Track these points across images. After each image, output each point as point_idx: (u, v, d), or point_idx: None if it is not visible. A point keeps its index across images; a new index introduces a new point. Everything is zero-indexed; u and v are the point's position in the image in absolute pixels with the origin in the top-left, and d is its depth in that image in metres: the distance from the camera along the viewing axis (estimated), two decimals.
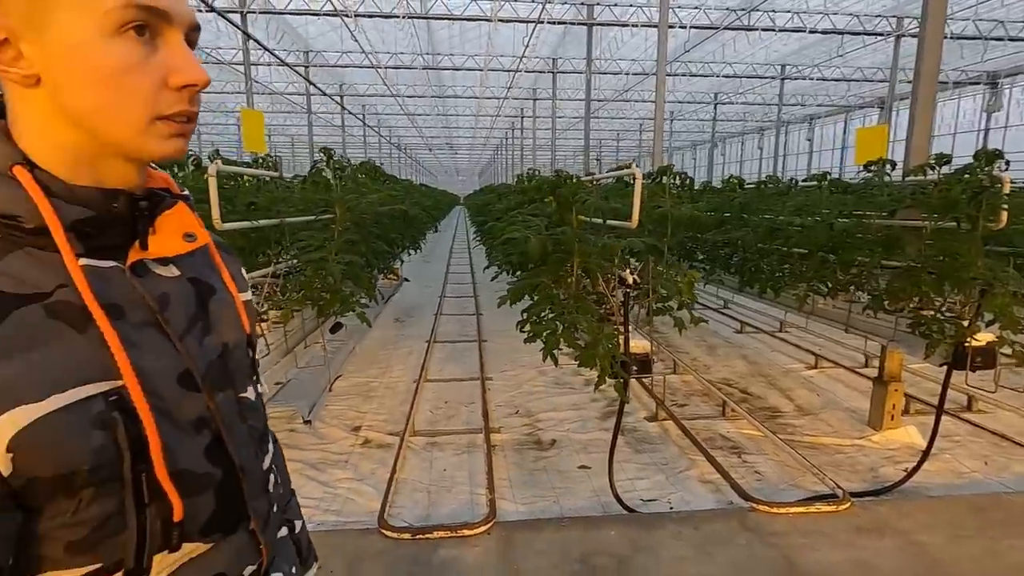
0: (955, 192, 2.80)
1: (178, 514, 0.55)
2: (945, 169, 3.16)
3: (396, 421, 4.18)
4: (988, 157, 2.74)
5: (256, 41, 10.42)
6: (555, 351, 2.73)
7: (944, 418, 4.06)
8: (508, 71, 16.88)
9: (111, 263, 0.55)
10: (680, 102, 24.52)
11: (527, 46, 13.39)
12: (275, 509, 0.74)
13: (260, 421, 0.71)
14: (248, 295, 0.76)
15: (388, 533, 2.62)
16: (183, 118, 0.55)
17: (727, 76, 18.68)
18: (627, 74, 17.94)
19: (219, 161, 2.70)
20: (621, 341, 2.83)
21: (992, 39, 13.76)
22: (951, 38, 13.75)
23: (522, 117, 23.43)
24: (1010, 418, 4.23)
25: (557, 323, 2.50)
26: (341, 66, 16.76)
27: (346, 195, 3.16)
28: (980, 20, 13.58)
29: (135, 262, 0.57)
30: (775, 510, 2.84)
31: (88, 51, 0.49)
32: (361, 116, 22.46)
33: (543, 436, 4.02)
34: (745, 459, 3.68)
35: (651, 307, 3.09)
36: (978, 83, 18.75)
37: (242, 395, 0.66)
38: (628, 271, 2.96)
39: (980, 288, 2.85)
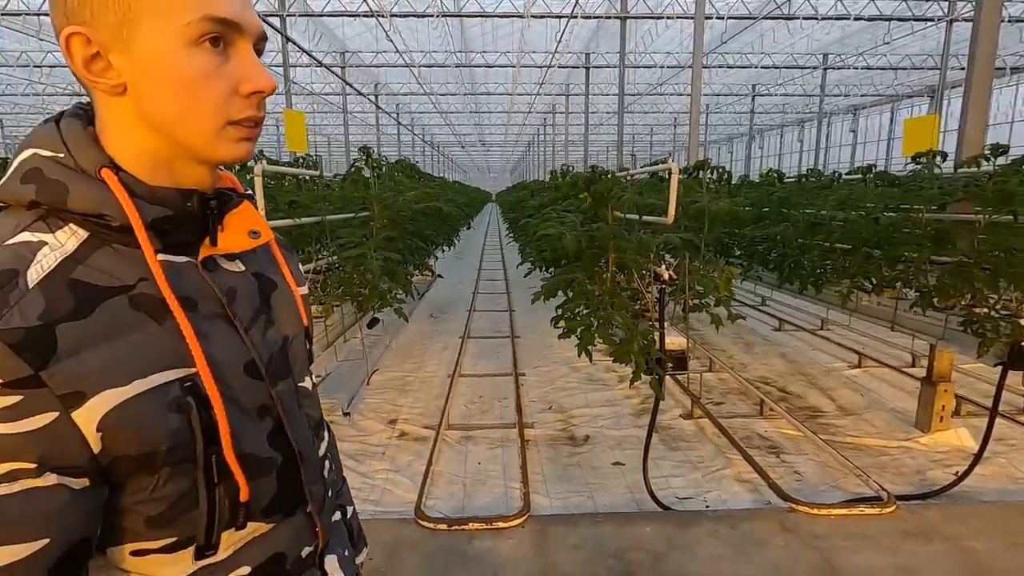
0: (1012, 184, 2.67)
1: (244, 495, 0.58)
2: (1001, 160, 3.02)
3: (431, 415, 4.25)
4: None
5: (295, 43, 10.67)
6: (589, 347, 2.74)
7: (999, 421, 3.90)
8: (540, 67, 16.82)
9: (185, 258, 0.60)
10: (717, 95, 23.99)
11: (559, 41, 13.32)
12: (330, 494, 0.78)
13: (316, 409, 0.75)
14: (305, 289, 0.80)
15: (424, 523, 2.68)
16: (251, 123, 0.58)
17: (766, 67, 18.16)
18: (662, 67, 17.65)
19: (264, 161, 2.79)
20: (656, 337, 2.82)
21: None
22: (1008, 21, 13.01)
23: (554, 113, 23.33)
24: None
25: (592, 319, 2.50)
26: (376, 66, 17.02)
27: (383, 193, 3.23)
28: None
29: (206, 257, 0.61)
30: (816, 511, 2.78)
31: (170, 61, 0.52)
32: (395, 115, 22.76)
33: (576, 432, 4.03)
34: (784, 459, 3.61)
35: (687, 304, 3.06)
36: None
37: (300, 384, 0.70)
38: (664, 267, 2.94)
39: None
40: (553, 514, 2.88)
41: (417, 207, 3.74)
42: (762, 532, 2.64)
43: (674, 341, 2.91)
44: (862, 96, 23.20)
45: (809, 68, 18.49)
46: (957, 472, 3.22)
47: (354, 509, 0.95)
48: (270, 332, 0.65)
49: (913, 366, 5.24)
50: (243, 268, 0.65)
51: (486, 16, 12.22)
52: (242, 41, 0.56)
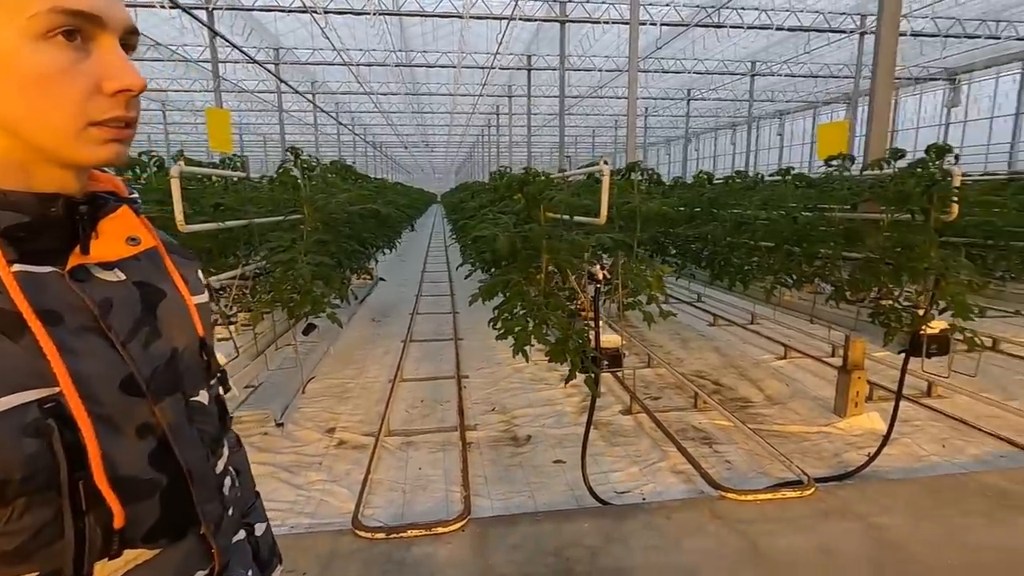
0: (909, 185, 2.90)
1: (119, 521, 0.54)
2: (902, 163, 3.28)
3: (372, 422, 4.16)
4: (938, 151, 2.84)
5: (223, 38, 10.20)
6: (529, 348, 2.76)
7: (905, 404, 4.22)
8: (482, 68, 16.83)
9: (48, 268, 0.55)
10: (654, 98, 24.77)
11: (500, 43, 13.38)
12: (230, 513, 0.74)
13: (212, 424, 0.70)
14: (203, 298, 0.75)
15: (361, 533, 2.62)
16: (119, 123, 0.55)
17: (699, 73, 18.92)
18: (601, 71, 18.05)
19: (182, 162, 2.65)
20: (591, 336, 2.87)
21: (949, 36, 14.20)
22: (911, 35, 14.15)
23: (497, 114, 23.41)
24: (967, 402, 4.40)
25: (528, 319, 2.52)
26: (312, 63, 16.51)
27: (315, 195, 3.13)
28: (939, 18, 14.00)
29: (76, 267, 0.57)
30: (743, 497, 2.92)
31: (13, 57, 0.48)
32: (334, 114, 22.16)
33: (519, 432, 4.05)
34: (716, 449, 3.76)
35: (621, 302, 3.13)
36: (938, 79, 19.34)
37: (193, 399, 0.66)
38: (598, 267, 3.00)
39: (934, 278, 2.96)
40: (493, 516, 2.88)
41: (352, 209, 3.65)
42: (694, 521, 2.74)
43: (609, 339, 2.97)
44: (787, 102, 24.58)
45: (738, 75, 19.41)
46: (869, 453, 3.46)
47: (267, 526, 0.91)
48: (155, 345, 0.61)
49: (833, 356, 5.59)
50: (123, 277, 0.61)
51: (425, 16, 12.09)
52: (105, 35, 0.53)
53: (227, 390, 0.84)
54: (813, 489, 2.97)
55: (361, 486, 3.11)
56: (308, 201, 3.05)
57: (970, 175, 7.28)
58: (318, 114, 20.39)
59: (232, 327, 2.98)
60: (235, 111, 24.40)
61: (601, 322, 3.13)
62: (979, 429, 3.90)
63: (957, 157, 2.88)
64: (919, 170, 2.86)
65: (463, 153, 50.26)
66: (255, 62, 11.69)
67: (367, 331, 6.93)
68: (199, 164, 3.38)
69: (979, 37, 14.27)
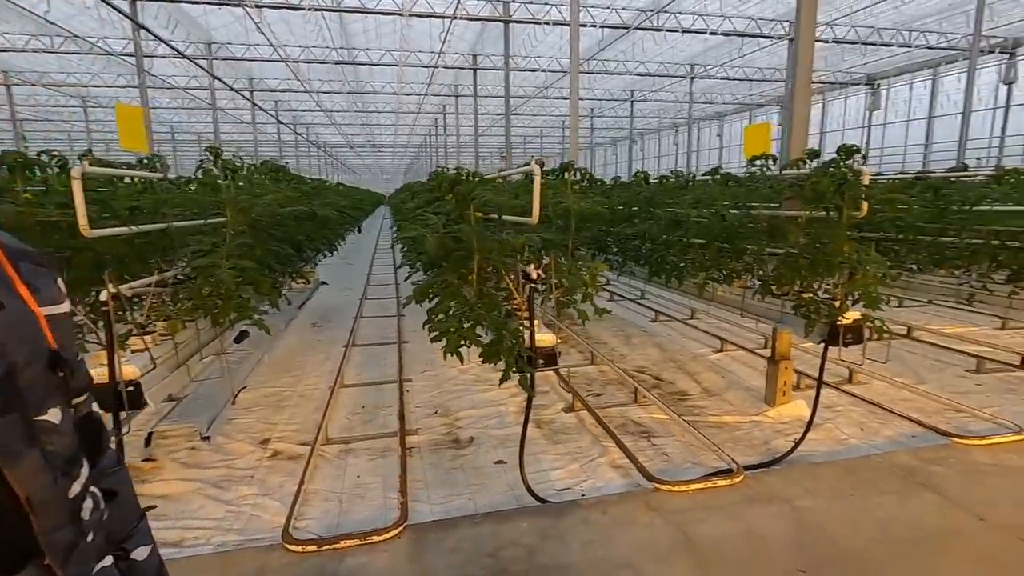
0: (823, 184, 3.06)
1: None
2: (816, 163, 3.45)
3: (309, 430, 4.02)
4: (847, 151, 3.01)
5: (148, 31, 9.65)
6: (467, 349, 2.73)
7: (828, 391, 4.46)
8: (427, 67, 16.66)
9: None
10: (599, 99, 25.24)
11: (444, 42, 13.27)
12: (90, 538, 0.69)
13: (64, 444, 0.65)
14: (59, 308, 0.70)
15: (292, 547, 2.53)
16: None
17: (640, 75, 19.41)
18: (546, 71, 18.22)
19: (87, 162, 2.47)
20: (526, 336, 2.88)
21: (867, 44, 15.14)
22: (834, 42, 15.02)
23: (444, 114, 23.25)
24: (883, 387, 4.69)
25: (460, 320, 2.50)
26: (248, 59, 15.87)
27: (238, 196, 2.99)
28: (858, 26, 14.91)
29: None
30: (677, 488, 3.00)
31: None
32: (274, 113, 21.40)
33: (461, 434, 4.02)
34: (654, 442, 3.85)
35: (557, 301, 3.16)
36: (860, 84, 20.60)
37: (39, 418, 0.61)
38: (532, 266, 3.01)
39: (848, 271, 3.14)
40: (432, 520, 2.84)
41: (283, 211, 3.51)
42: (629, 514, 2.79)
43: (544, 338, 2.99)
44: (724, 104, 25.58)
45: (678, 77, 20.04)
46: (795, 440, 3.63)
47: (152, 549, 0.86)
48: None
49: (765, 347, 5.84)
50: None
51: (365, 12, 11.84)
52: None
53: (137, 406, 0.79)
54: (742, 477, 3.09)
55: (294, 498, 3.00)
56: (231, 203, 2.91)
57: (885, 174, 7.78)
58: (257, 112, 19.66)
59: (148, 337, 2.81)
60: (165, 109, 23.21)
61: (540, 321, 3.15)
62: (893, 412, 4.16)
63: (865, 157, 3.06)
64: (831, 169, 3.02)
65: (411, 153, 49.61)
66: (185, 57, 11.13)
67: (307, 337, 6.71)
68: (110, 165, 3.17)
69: (893, 45, 15.28)
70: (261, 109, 18.89)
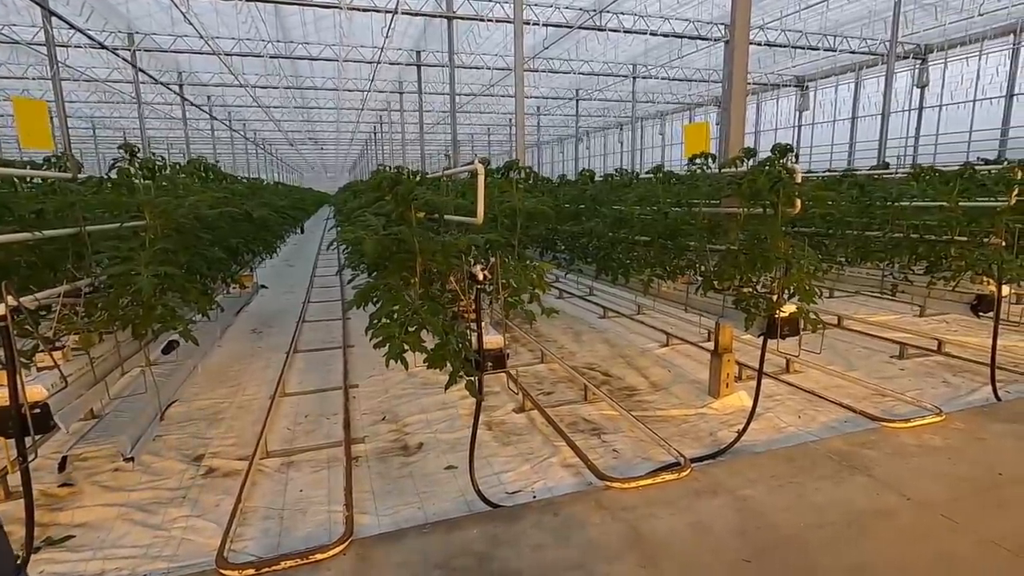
0: (760, 182, 3.15)
1: None
2: (754, 162, 3.56)
3: (248, 444, 3.82)
4: (781, 150, 3.11)
5: (60, 18, 8.91)
6: (409, 354, 2.64)
7: (768, 381, 4.63)
8: (369, 63, 16.25)
9: None
10: (545, 97, 25.40)
11: (387, 37, 12.97)
12: None
13: None
14: None
15: (227, 572, 2.37)
16: None
17: (584, 74, 19.66)
18: (491, 69, 18.15)
19: None
20: (474, 339, 2.81)
21: (796, 47, 15.92)
22: (766, 44, 15.70)
23: (389, 111, 22.78)
24: (818, 375, 4.91)
25: (401, 325, 2.41)
26: (175, 51, 14.99)
27: (157, 197, 2.77)
28: (788, 30, 15.64)
29: None
30: (627, 485, 3.02)
31: None
32: (207, 108, 20.34)
33: (410, 441, 3.91)
34: (604, 439, 3.88)
35: (505, 301, 3.11)
36: (790, 85, 21.65)
37: None
38: (478, 267, 2.94)
39: (784, 266, 3.24)
40: (379, 533, 2.73)
41: (209, 212, 3.30)
42: (581, 514, 2.79)
43: (492, 340, 2.93)
44: (666, 103, 26.29)
45: (621, 76, 20.43)
46: (739, 430, 3.74)
47: None
48: None
49: (708, 341, 6.02)
50: None
51: (301, 4, 11.39)
52: None
53: (44, 429, 0.70)
54: (689, 470, 3.14)
55: (229, 517, 2.82)
56: (149, 205, 2.69)
57: (815, 172, 8.18)
58: (189, 108, 18.61)
59: (59, 353, 2.56)
60: (85, 103, 21.63)
61: (488, 322, 3.09)
62: (827, 399, 4.36)
63: (797, 156, 3.17)
64: (767, 168, 3.11)
65: (356, 151, 48.42)
66: (103, 47, 10.36)
67: (245, 345, 6.39)
68: (10, 164, 2.87)
69: (819, 49, 16.13)
70: (192, 104, 17.90)
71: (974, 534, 2.55)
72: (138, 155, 2.85)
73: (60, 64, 9.90)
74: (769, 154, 3.20)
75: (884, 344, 5.83)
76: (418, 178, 2.69)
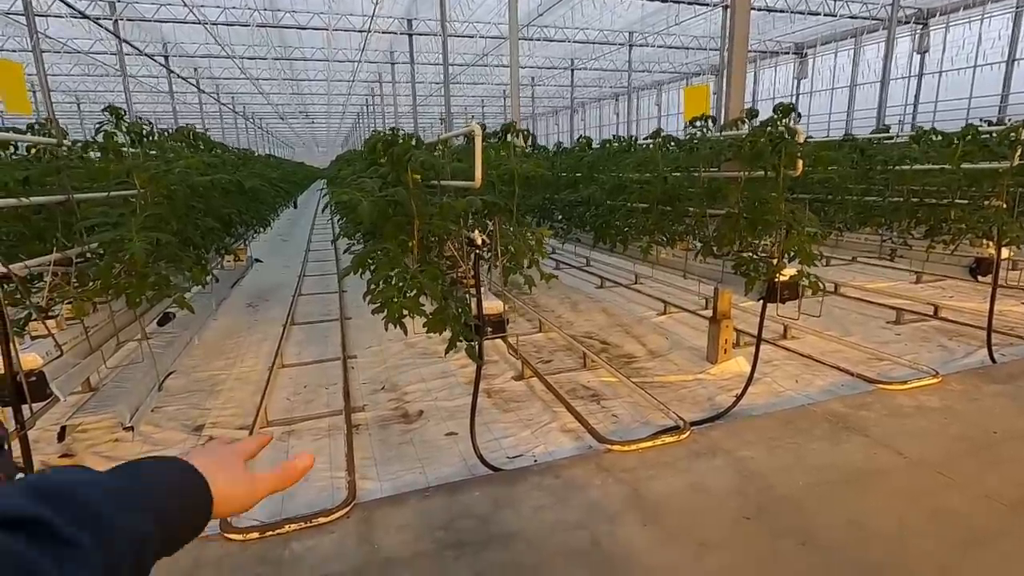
0: (761, 143, 3.09)
1: None
2: (755, 123, 3.49)
3: (248, 414, 3.83)
4: (784, 110, 3.05)
5: None
6: (412, 320, 2.62)
7: (765, 346, 4.64)
8: (360, 32, 15.85)
9: None
10: (539, 67, 24.90)
11: (377, 4, 12.62)
12: None
13: None
14: None
15: (232, 536, 2.38)
16: None
17: (580, 42, 19.26)
18: (485, 37, 17.75)
19: None
20: (473, 304, 2.79)
21: (795, 12, 15.59)
22: (765, 10, 15.36)
23: (380, 82, 22.33)
24: (815, 341, 4.94)
25: (400, 289, 2.38)
26: (160, 21, 14.56)
27: (146, 163, 2.70)
28: None
29: None
30: (627, 448, 3.04)
31: None
32: (194, 80, 19.86)
33: (410, 409, 3.92)
34: (603, 405, 3.90)
35: (503, 267, 3.07)
36: (789, 53, 21.29)
37: None
38: (477, 232, 2.90)
39: (784, 229, 3.21)
40: (381, 497, 2.75)
41: (200, 180, 3.22)
42: (582, 476, 2.81)
43: (492, 305, 2.91)
44: (662, 72, 25.86)
45: (617, 44, 20.03)
46: (736, 395, 3.76)
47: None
48: None
49: (706, 308, 6.03)
50: None
51: None
52: None
53: (41, 397, 0.69)
54: (689, 433, 3.17)
55: None
56: (138, 170, 2.62)
57: (813, 139, 8.09)
58: (175, 80, 18.17)
59: (52, 322, 2.53)
60: (68, 76, 21.10)
61: (488, 289, 3.07)
62: (824, 363, 4.39)
63: (800, 115, 3.11)
64: (768, 128, 3.05)
65: (347, 125, 47.65)
66: (85, 17, 10.04)
67: (241, 317, 6.36)
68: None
69: (820, 14, 15.81)
70: (178, 76, 17.46)
71: (970, 490, 2.59)
72: (125, 119, 2.77)
73: (40, 35, 9.61)
74: (771, 115, 3.14)
75: (881, 310, 5.85)
76: (413, 142, 2.62)
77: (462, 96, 31.57)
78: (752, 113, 3.38)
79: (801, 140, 3.10)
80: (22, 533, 0.34)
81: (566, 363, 4.73)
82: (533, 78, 27.45)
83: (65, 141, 2.84)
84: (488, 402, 3.97)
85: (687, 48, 20.27)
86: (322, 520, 2.49)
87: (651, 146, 4.25)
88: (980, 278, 4.17)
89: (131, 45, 12.89)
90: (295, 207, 17.03)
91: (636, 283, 7.45)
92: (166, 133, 4.22)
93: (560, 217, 6.01)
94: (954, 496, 2.56)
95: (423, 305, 2.47)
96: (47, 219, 2.96)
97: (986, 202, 3.94)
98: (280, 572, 2.20)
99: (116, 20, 13.29)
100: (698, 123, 3.78)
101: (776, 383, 4.12)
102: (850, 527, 2.37)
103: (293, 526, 2.45)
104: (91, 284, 2.72)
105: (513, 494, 2.67)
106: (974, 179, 3.92)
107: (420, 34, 16.29)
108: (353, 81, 23.60)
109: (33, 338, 2.44)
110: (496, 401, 4.00)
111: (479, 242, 2.87)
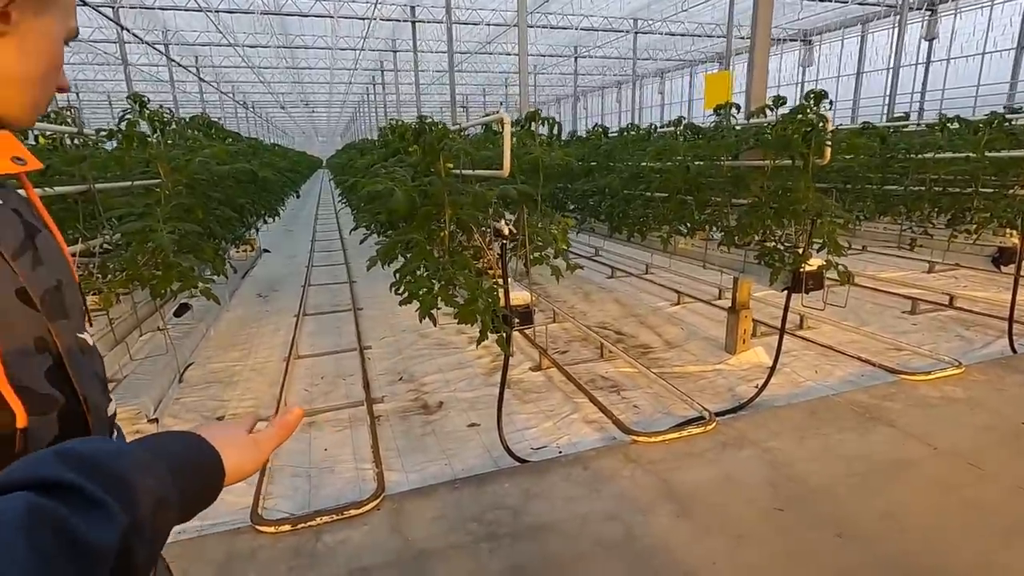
0: (790, 131, 3.05)
1: (21, 421, 0.52)
2: (783, 111, 3.44)
3: (267, 405, 3.81)
4: (816, 97, 3.00)
5: None
6: (434, 310, 2.59)
7: (784, 337, 4.62)
8: (362, 19, 15.67)
9: None
10: (543, 55, 24.72)
11: None
12: None
13: (100, 367, 0.68)
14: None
15: (263, 528, 2.38)
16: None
17: (585, 29, 19.07)
18: (488, 24, 17.57)
19: None
20: (501, 294, 2.76)
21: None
22: None
23: (382, 71, 22.14)
24: (831, 331, 4.91)
25: (433, 281, 2.35)
26: (161, 8, 14.39)
27: (171, 151, 2.65)
28: None
29: None
30: (653, 439, 3.03)
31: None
32: (194, 69, 19.69)
33: (429, 400, 3.91)
34: (624, 395, 3.88)
35: (528, 257, 3.05)
36: (795, 40, 21.09)
37: (80, 335, 0.64)
38: (504, 222, 2.87)
39: (811, 219, 3.18)
40: (409, 489, 2.74)
41: (220, 169, 3.17)
42: (609, 467, 2.80)
43: (518, 296, 2.88)
44: (667, 60, 25.64)
45: (622, 32, 19.83)
46: (757, 385, 3.74)
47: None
48: (40, 270, 0.59)
49: (719, 298, 6.00)
50: (1, 202, 0.59)
51: None
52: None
53: None
54: (714, 423, 3.15)
55: (259, 476, 2.82)
56: (163, 159, 2.57)
57: (842, 126, 8.02)
58: (176, 69, 18.02)
59: None
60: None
61: (510, 279, 3.04)
62: (844, 353, 4.37)
63: (832, 103, 3.07)
64: (799, 116, 3.01)
65: (348, 114, 47.33)
66: (84, 3, 9.91)
67: (253, 308, 6.33)
68: None
69: (828, 0, 15.63)
70: (179, 65, 17.29)
71: (1002, 481, 2.58)
72: (147, 106, 2.72)
73: None
74: (801, 102, 3.09)
75: (895, 300, 5.82)
76: (442, 128, 2.57)
77: (463, 84, 31.33)
78: (779, 101, 3.32)
79: (830, 128, 3.06)
80: (57, 496, 0.37)
81: (583, 354, 4.71)
82: (536, 66, 27.23)
83: (88, 131, 2.79)
84: (507, 393, 3.93)
85: (693, 35, 20.08)
86: (353, 512, 2.47)
87: (671, 135, 4.20)
88: (1003, 268, 4.13)
89: (132, 33, 12.74)
90: (298, 196, 16.94)
91: (647, 273, 7.42)
92: (184, 120, 4.16)
93: (573, 207, 5.96)
94: (986, 488, 2.55)
95: (456, 296, 2.45)
96: (66, 209, 2.92)
97: (1011, 191, 3.90)
98: (315, 564, 2.19)
99: (117, 7, 13.13)
100: (721, 111, 3.72)
101: (796, 373, 4.10)
102: (885, 519, 2.36)
103: (324, 518, 2.43)
104: (117, 275, 2.68)
105: (543, 485, 2.65)
106: (1000, 167, 3.87)
107: (423, 21, 16.11)
108: (355, 69, 23.41)
109: None
110: (515, 391, 3.98)
111: (506, 232, 2.84)
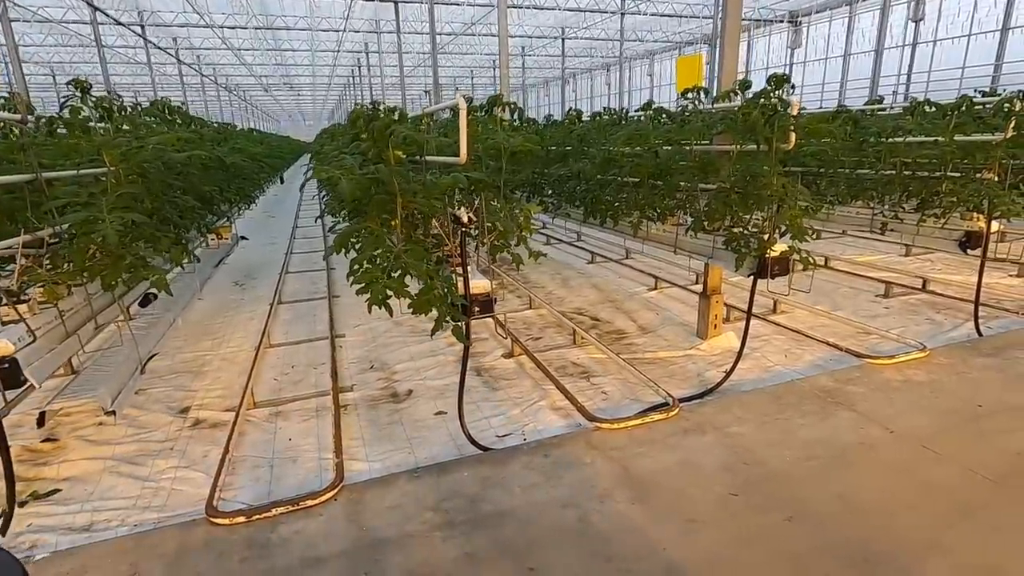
0: (754, 116, 3.02)
1: None
2: (749, 94, 3.40)
3: (235, 395, 3.78)
4: (778, 81, 2.97)
5: None
6: (391, 300, 2.56)
7: (755, 321, 4.62)
8: None
9: None
10: (529, 36, 24.36)
11: None
12: None
13: None
14: None
15: (218, 520, 2.36)
16: None
17: (571, 10, 18.80)
18: (473, 5, 17.27)
19: None
20: (459, 283, 2.73)
21: None
22: None
23: (367, 53, 21.75)
24: (804, 315, 4.94)
25: (383, 270, 2.31)
26: None
27: (115, 139, 2.58)
28: None
29: None
30: (616, 426, 3.04)
31: None
32: (173, 51, 19.23)
33: (399, 388, 3.89)
34: (593, 382, 3.88)
35: (490, 245, 3.01)
36: (783, 21, 20.93)
37: None
38: (463, 209, 2.82)
39: (776, 204, 3.16)
40: (370, 479, 2.74)
41: (177, 156, 3.10)
42: (571, 455, 2.80)
43: (479, 284, 2.85)
44: (655, 42, 25.38)
45: (609, 12, 19.57)
46: (726, 370, 3.76)
47: None
48: None
49: (696, 283, 6.01)
50: None
51: None
52: None
53: (15, 384, 0.72)
54: (677, 410, 3.17)
55: (218, 467, 2.80)
56: (108, 147, 2.50)
57: (806, 111, 7.99)
58: (154, 52, 17.59)
59: (24, 306, 2.44)
60: (41, 47, 20.36)
61: (474, 267, 3.00)
62: (813, 338, 4.39)
63: (794, 87, 3.03)
64: (762, 101, 2.97)
65: (333, 97, 46.60)
66: None
67: (227, 296, 6.26)
68: None
69: None
70: (156, 47, 16.87)
71: (956, 463, 2.61)
72: (91, 93, 2.63)
73: (9, 2, 9.20)
74: (765, 86, 3.05)
75: (870, 283, 5.86)
76: (396, 115, 2.52)
77: (450, 67, 30.92)
78: (745, 85, 3.29)
79: (795, 112, 3.03)
80: None
81: (556, 340, 4.71)
82: (523, 48, 26.89)
83: (31, 117, 2.71)
84: (477, 380, 3.94)
85: (679, 16, 19.87)
86: (310, 503, 2.47)
87: (642, 119, 4.15)
88: (969, 251, 4.16)
89: (104, 14, 12.39)
90: (281, 182, 16.71)
91: (627, 258, 7.41)
92: (139, 107, 4.06)
93: (550, 192, 5.92)
94: (941, 470, 2.58)
95: (407, 286, 2.41)
96: (15, 198, 2.84)
97: (978, 175, 3.90)
98: (268, 556, 2.19)
99: None
100: (690, 95, 3.68)
101: (766, 358, 4.13)
102: (837, 501, 2.39)
103: (280, 509, 2.43)
104: (64, 267, 2.63)
105: (503, 473, 2.66)
106: (967, 151, 3.87)
107: (406, 1, 15.79)
108: (338, 51, 22.98)
109: (4, 323, 2.36)
110: (486, 379, 3.97)
111: (465, 220, 2.79)
